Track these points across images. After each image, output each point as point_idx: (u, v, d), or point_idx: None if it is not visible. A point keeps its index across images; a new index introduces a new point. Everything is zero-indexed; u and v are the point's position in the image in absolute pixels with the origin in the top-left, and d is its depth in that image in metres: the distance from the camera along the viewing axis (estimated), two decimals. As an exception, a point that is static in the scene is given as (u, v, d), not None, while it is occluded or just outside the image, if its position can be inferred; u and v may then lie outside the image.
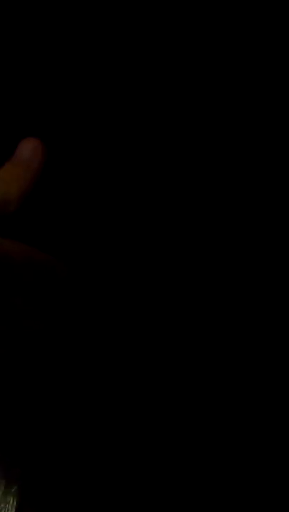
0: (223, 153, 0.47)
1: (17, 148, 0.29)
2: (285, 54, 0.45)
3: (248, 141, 0.47)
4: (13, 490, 0.55)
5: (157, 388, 0.49)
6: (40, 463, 0.56)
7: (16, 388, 0.48)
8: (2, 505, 0.52)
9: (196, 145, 0.47)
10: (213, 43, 0.45)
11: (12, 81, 0.44)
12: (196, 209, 0.47)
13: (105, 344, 0.46)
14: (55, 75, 0.45)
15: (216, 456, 0.49)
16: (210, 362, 0.48)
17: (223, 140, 0.47)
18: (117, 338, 0.46)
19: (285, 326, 0.47)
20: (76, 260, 0.35)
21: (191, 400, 0.49)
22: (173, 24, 0.45)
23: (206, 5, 0.44)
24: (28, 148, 0.29)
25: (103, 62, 0.45)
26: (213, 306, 0.48)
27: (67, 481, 0.54)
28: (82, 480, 0.53)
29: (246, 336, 0.48)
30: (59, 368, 0.46)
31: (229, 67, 0.46)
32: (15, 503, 0.54)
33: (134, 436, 0.49)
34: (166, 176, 0.47)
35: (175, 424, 0.49)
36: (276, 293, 0.48)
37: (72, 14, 0.44)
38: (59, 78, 0.45)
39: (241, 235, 0.47)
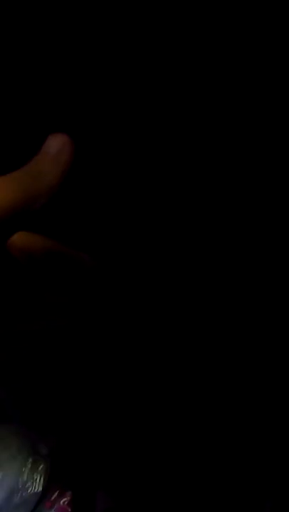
0: (223, 145, 0.46)
1: (44, 143, 0.29)
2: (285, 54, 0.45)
3: (248, 140, 0.46)
4: (40, 468, 0.57)
5: (160, 378, 0.49)
6: (67, 441, 0.58)
7: (41, 374, 0.49)
8: (29, 483, 0.54)
9: (198, 140, 0.46)
10: (213, 42, 0.45)
11: (41, 76, 0.44)
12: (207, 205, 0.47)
13: (126, 334, 0.47)
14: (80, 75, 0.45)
15: (215, 453, 0.49)
16: (211, 358, 0.48)
17: (222, 132, 0.46)
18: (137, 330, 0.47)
19: (285, 325, 0.47)
20: (99, 254, 0.36)
21: (192, 392, 0.49)
22: (173, 23, 0.45)
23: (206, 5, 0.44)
24: (55, 144, 0.28)
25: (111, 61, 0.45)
26: (216, 303, 0.48)
27: (92, 459, 0.55)
28: (106, 458, 0.54)
29: (246, 334, 0.48)
30: (82, 358, 0.47)
31: (229, 66, 0.45)
32: (42, 480, 0.56)
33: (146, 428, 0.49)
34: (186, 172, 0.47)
35: (175, 411, 0.49)
36: (276, 292, 0.47)
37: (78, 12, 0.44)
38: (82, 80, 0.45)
39: (242, 227, 0.47)
